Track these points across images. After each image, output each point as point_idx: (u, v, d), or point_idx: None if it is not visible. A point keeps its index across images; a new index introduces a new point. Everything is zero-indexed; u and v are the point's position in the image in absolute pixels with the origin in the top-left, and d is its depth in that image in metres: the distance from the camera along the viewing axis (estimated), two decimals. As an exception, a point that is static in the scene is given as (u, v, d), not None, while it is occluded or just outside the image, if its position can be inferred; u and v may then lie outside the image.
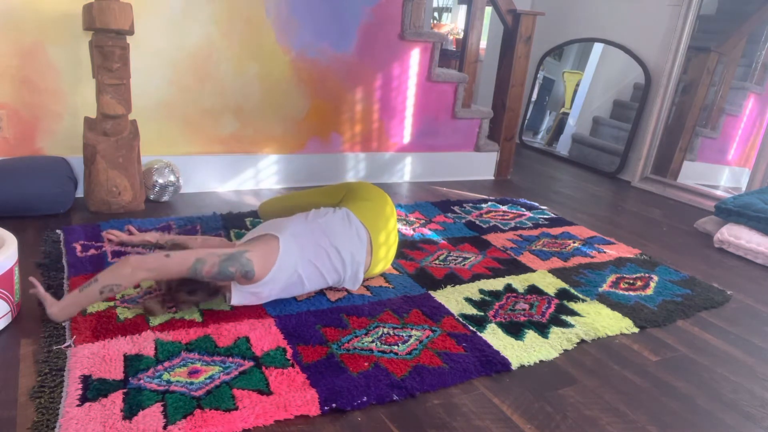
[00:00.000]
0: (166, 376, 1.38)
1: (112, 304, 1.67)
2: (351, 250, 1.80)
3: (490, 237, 2.54)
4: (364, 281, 1.93)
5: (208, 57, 2.66)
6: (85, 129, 2.33)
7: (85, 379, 1.33)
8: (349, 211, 1.86)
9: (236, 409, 1.30)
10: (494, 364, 1.58)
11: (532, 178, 3.77)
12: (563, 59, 4.55)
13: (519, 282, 2.11)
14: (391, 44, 3.06)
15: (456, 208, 2.88)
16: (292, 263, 1.67)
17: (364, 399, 1.38)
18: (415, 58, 3.14)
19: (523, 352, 1.66)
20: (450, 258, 2.26)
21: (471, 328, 1.75)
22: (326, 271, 1.76)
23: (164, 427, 1.22)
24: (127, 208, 2.41)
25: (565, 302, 1.99)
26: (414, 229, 2.53)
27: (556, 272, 2.23)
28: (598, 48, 4.30)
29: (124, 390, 1.32)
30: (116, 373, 1.37)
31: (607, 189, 3.74)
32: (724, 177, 3.69)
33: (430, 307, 1.85)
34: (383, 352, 1.57)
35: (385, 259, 1.95)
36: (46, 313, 1.51)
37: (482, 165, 3.59)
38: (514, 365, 1.59)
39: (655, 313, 2.00)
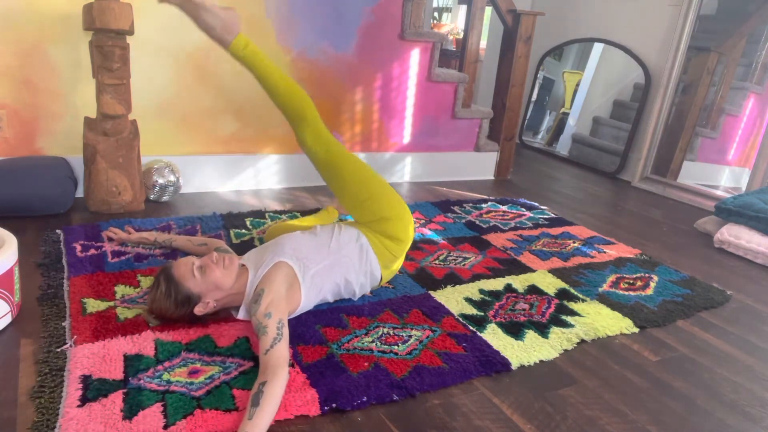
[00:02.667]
0: (166, 376, 1.38)
1: (112, 304, 1.67)
2: (362, 284, 1.81)
3: (490, 237, 2.54)
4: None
5: (208, 57, 2.66)
6: (85, 129, 2.33)
7: (85, 379, 1.33)
8: (369, 248, 1.78)
9: (236, 409, 1.30)
10: (494, 364, 1.58)
11: (532, 178, 3.77)
12: (563, 59, 4.55)
13: (519, 282, 2.11)
14: (391, 44, 3.06)
15: (456, 208, 2.88)
16: (309, 305, 1.70)
17: (364, 399, 1.38)
18: (415, 58, 3.14)
19: (523, 352, 1.66)
20: (450, 258, 2.26)
21: (471, 328, 1.75)
22: (332, 298, 1.79)
23: (164, 427, 1.22)
24: (127, 208, 2.41)
25: (565, 302, 1.99)
26: (414, 230, 2.53)
27: (556, 272, 2.23)
28: (598, 48, 4.30)
29: (124, 390, 1.32)
30: (116, 373, 1.37)
31: (607, 189, 3.74)
32: (724, 177, 3.69)
33: (430, 307, 1.85)
34: (383, 352, 1.57)
35: (397, 269, 1.98)
36: None
37: (482, 165, 3.59)
38: (514, 365, 1.59)
39: (655, 313, 2.00)
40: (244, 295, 1.61)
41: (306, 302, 1.65)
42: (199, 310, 1.56)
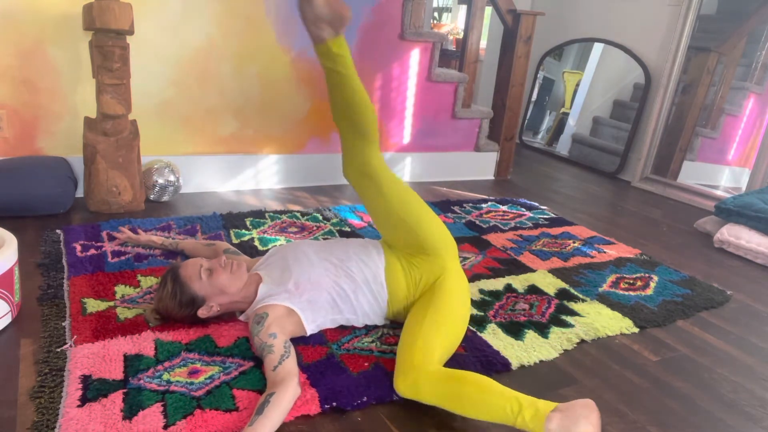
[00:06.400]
0: (166, 376, 1.38)
1: (112, 304, 1.67)
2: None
3: (490, 237, 2.54)
4: None
5: (208, 57, 2.66)
6: (85, 129, 2.34)
7: (85, 379, 1.33)
8: (380, 316, 1.67)
9: (236, 409, 1.30)
10: (494, 364, 1.58)
11: (532, 178, 3.77)
12: (563, 59, 4.55)
13: (519, 282, 2.11)
14: (391, 44, 3.06)
15: (456, 208, 2.88)
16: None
17: (364, 399, 1.38)
18: (415, 58, 3.14)
19: (523, 352, 1.66)
20: (450, 258, 2.26)
21: (471, 328, 1.75)
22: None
23: (164, 427, 1.22)
24: (127, 208, 2.41)
25: (565, 302, 1.99)
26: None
27: (556, 272, 2.23)
28: (598, 48, 4.30)
29: (124, 390, 1.32)
30: (116, 373, 1.37)
31: (607, 189, 3.74)
32: (724, 177, 3.69)
33: (430, 307, 1.84)
34: (383, 352, 1.57)
35: None
36: None
37: (482, 165, 3.59)
38: (514, 365, 1.59)
39: (655, 313, 2.00)
40: (250, 305, 1.59)
41: (307, 333, 1.61)
42: (202, 312, 1.55)
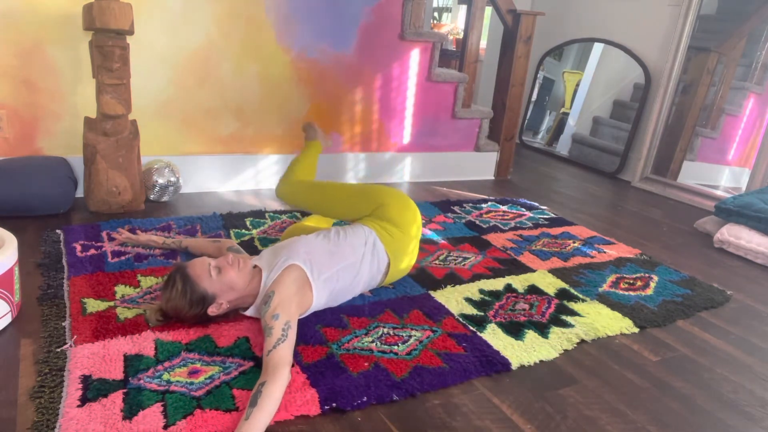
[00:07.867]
0: (166, 376, 1.38)
1: (112, 304, 1.67)
2: (369, 284, 1.84)
3: (490, 237, 2.54)
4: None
5: (208, 57, 2.66)
6: (85, 129, 2.33)
7: (85, 379, 1.33)
8: (377, 240, 1.82)
9: (236, 409, 1.30)
10: (494, 364, 1.58)
11: (532, 178, 3.77)
12: (563, 59, 4.55)
13: (519, 282, 2.11)
14: (391, 44, 3.06)
15: (456, 208, 2.88)
16: (320, 306, 1.69)
17: (364, 399, 1.38)
18: (415, 58, 3.14)
19: (523, 352, 1.66)
20: (450, 258, 2.26)
21: (471, 328, 1.75)
22: (341, 300, 1.79)
23: (164, 427, 1.22)
24: (127, 208, 2.41)
25: (565, 302, 1.99)
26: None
27: (556, 272, 2.23)
28: (598, 48, 4.30)
29: (124, 390, 1.32)
30: (116, 373, 1.37)
31: (607, 189, 3.74)
32: (724, 177, 3.69)
33: (430, 308, 1.85)
34: (383, 352, 1.57)
35: (406, 269, 1.98)
36: None
37: (482, 165, 3.59)
38: (514, 365, 1.59)
39: (655, 313, 2.00)
40: (256, 297, 1.61)
41: (317, 303, 1.65)
42: (212, 310, 1.55)
